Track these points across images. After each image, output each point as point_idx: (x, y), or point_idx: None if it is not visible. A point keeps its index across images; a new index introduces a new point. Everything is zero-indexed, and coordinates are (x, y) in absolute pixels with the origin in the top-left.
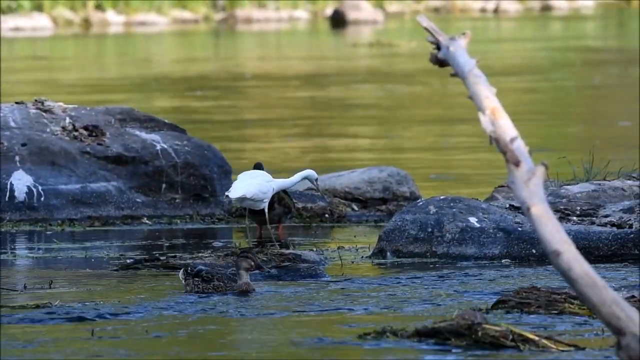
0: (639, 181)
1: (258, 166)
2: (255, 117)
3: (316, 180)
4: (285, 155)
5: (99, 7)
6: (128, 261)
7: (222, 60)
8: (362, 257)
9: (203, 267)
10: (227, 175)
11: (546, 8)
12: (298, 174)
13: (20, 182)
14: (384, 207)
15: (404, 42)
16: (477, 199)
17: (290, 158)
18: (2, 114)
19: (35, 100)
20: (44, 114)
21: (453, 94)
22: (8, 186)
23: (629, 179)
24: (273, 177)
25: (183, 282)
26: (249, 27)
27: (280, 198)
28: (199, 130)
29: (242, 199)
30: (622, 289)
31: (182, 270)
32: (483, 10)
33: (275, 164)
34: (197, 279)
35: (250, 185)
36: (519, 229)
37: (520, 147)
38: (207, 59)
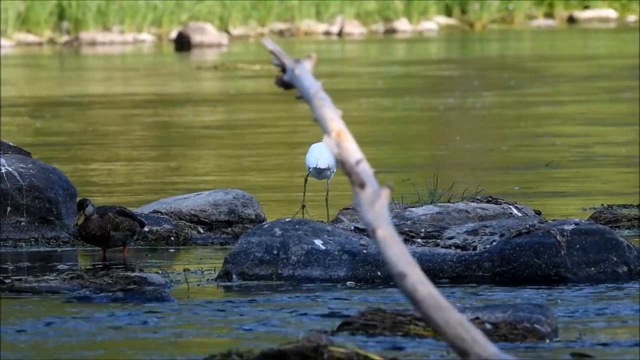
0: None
1: (82, 203)
2: (99, 139)
3: None
4: (131, 177)
5: None
6: None
7: (66, 82)
8: (208, 279)
9: None
10: (72, 198)
11: (390, 31)
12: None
13: None
14: (229, 229)
15: (247, 64)
16: (323, 222)
17: (135, 180)
18: None
19: None
20: None
21: (298, 116)
22: None
23: (472, 201)
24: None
25: None
26: (94, 50)
27: (116, 224)
28: (43, 152)
29: (323, 170)
30: (467, 310)
31: None
32: (327, 33)
33: (121, 185)
34: None
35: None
36: (364, 251)
37: (365, 169)
38: (51, 80)
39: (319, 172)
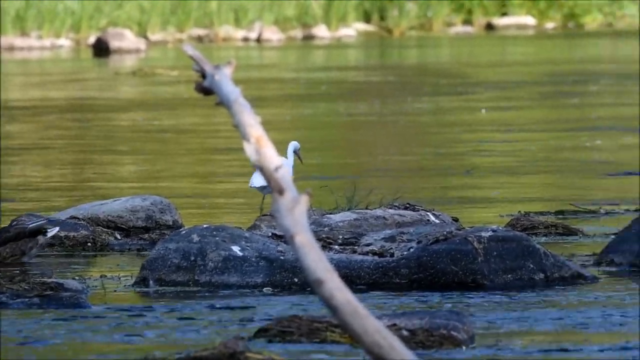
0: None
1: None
2: (19, 144)
3: (299, 149)
4: (48, 183)
5: None
6: None
7: None
8: (125, 285)
9: None
10: None
11: (308, 37)
12: (289, 151)
13: None
14: (147, 235)
15: (166, 70)
16: (240, 228)
17: (53, 186)
18: None
19: None
20: None
21: (217, 122)
22: None
23: (390, 208)
24: None
25: None
26: (12, 55)
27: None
28: None
29: (263, 187)
30: (384, 317)
31: None
32: (246, 39)
33: (38, 190)
34: None
35: None
36: (282, 257)
37: (284, 175)
38: None
39: (261, 190)
